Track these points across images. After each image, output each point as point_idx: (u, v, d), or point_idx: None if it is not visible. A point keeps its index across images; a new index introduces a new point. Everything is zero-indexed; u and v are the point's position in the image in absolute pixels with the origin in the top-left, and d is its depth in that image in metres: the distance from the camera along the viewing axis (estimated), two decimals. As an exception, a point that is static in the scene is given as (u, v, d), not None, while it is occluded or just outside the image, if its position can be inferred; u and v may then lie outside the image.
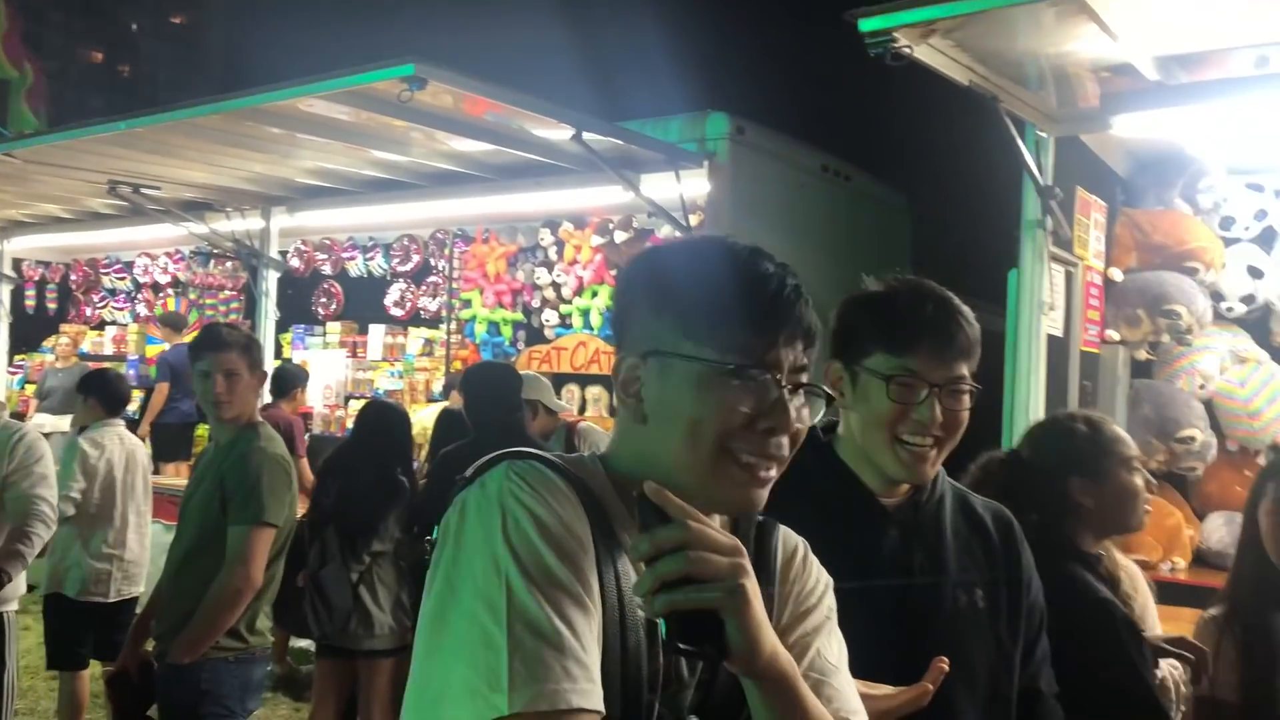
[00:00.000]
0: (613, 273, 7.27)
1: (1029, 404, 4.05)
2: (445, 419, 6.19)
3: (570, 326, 7.43)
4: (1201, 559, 4.95)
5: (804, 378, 1.13)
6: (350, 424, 6.36)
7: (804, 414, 1.13)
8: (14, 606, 3.68)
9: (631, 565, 1.06)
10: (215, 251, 8.45)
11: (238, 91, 4.80)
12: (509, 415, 3.99)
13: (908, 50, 2.92)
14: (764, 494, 1.12)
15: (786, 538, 1.25)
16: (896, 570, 1.55)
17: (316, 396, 8.00)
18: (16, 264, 10.06)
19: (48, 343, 9.96)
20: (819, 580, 1.25)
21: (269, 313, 7.51)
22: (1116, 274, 4.96)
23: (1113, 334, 4.94)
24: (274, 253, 7.45)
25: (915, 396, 1.54)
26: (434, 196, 6.43)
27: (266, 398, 7.07)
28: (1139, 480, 2.14)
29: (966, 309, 1.62)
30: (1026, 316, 4.12)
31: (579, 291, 7.39)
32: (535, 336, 7.54)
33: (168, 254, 9.62)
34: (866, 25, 2.81)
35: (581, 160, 5.23)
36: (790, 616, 1.20)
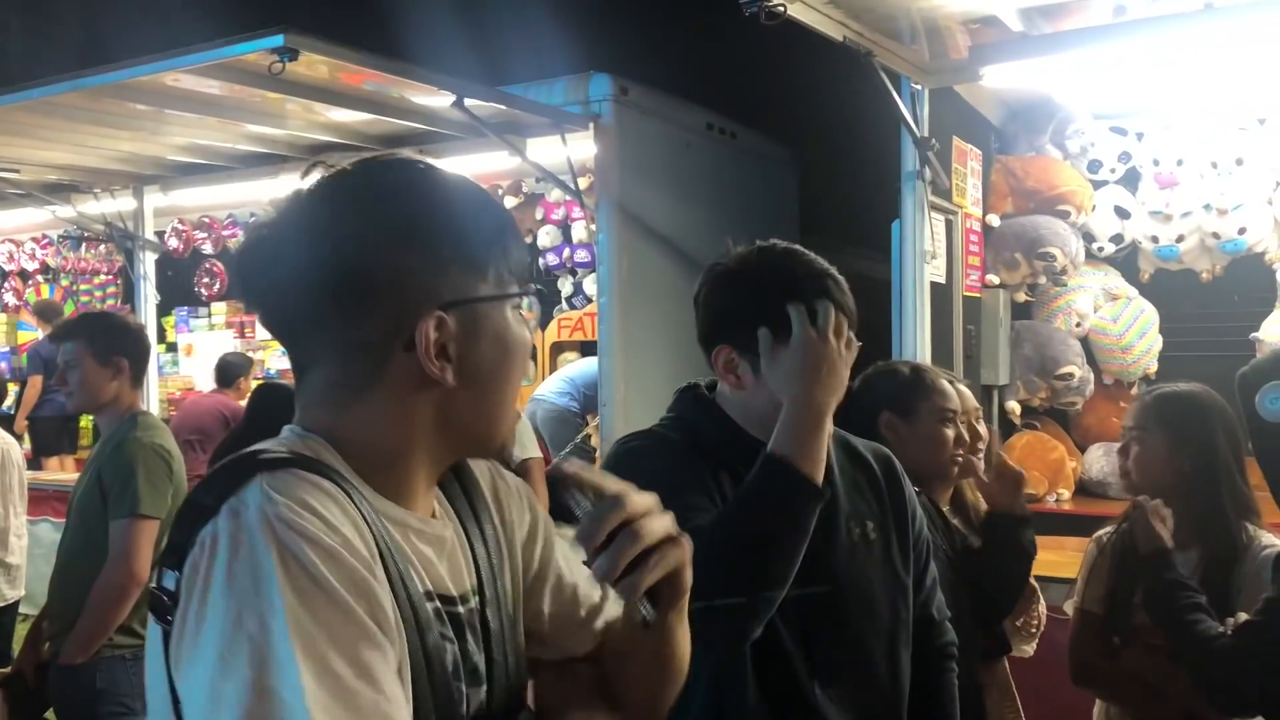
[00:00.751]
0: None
1: (916, 351, 4.18)
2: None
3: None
4: (1084, 489, 5.21)
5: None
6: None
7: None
8: None
9: (403, 541, 0.96)
10: (86, 235, 8.08)
11: (99, 68, 4.56)
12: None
13: (781, 8, 2.94)
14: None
15: (476, 466, 1.14)
16: None
17: (206, 381, 7.77)
18: None
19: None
20: (518, 485, 1.18)
21: (149, 296, 7.23)
22: (994, 220, 5.13)
23: (993, 278, 5.11)
24: (150, 234, 7.16)
25: None
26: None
27: (207, 386, 6.93)
28: (949, 433, 2.24)
29: (831, 268, 1.66)
30: (910, 266, 4.23)
31: (471, 259, 7.31)
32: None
33: (34, 239, 9.17)
34: (741, -16, 2.82)
35: (465, 127, 5.15)
36: (523, 531, 1.15)
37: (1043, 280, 5.16)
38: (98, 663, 2.85)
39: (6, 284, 9.54)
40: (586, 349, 6.63)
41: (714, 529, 1.45)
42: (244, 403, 6.75)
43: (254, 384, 7.04)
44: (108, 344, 2.98)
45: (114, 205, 6.99)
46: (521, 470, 3.91)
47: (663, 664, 1.11)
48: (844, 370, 1.56)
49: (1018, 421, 5.24)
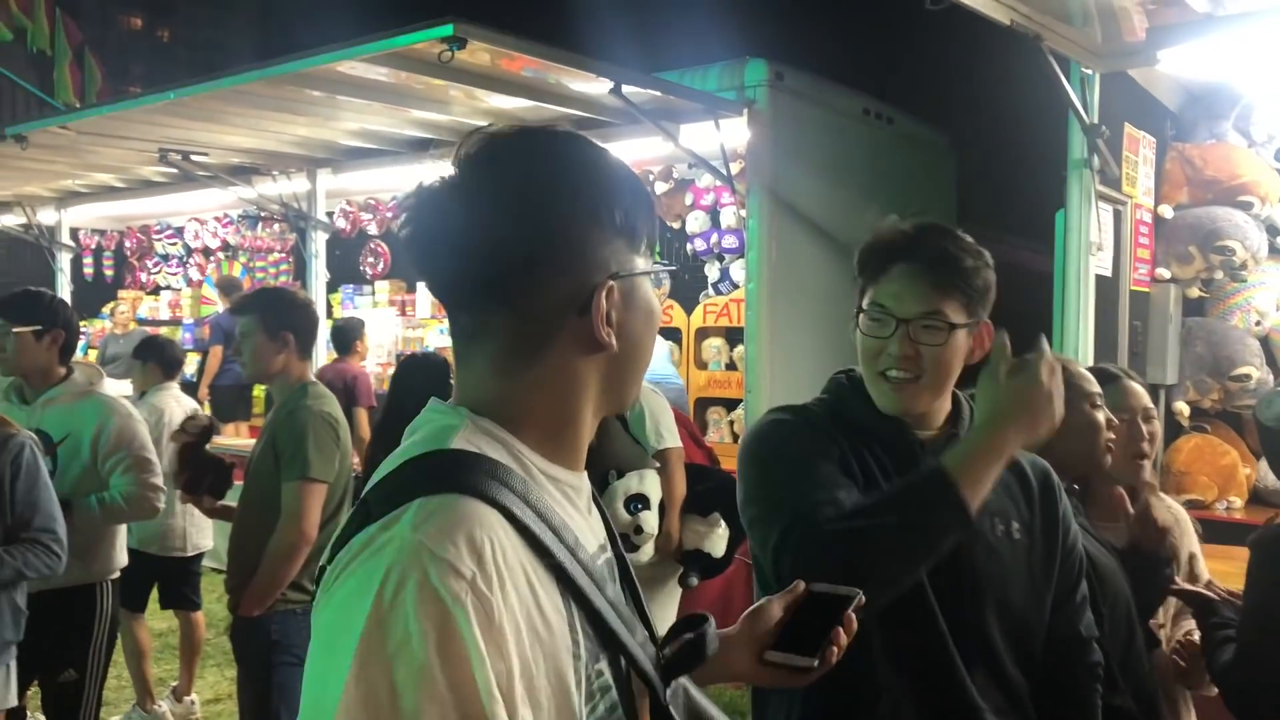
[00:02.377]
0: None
1: (1078, 345, 4.03)
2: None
3: (614, 279, 7.45)
4: (1259, 498, 4.91)
5: None
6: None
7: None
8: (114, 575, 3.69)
9: (572, 509, 1.02)
10: (263, 215, 8.57)
11: (279, 58, 4.85)
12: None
13: (948, -8, 2.88)
14: None
15: None
16: None
17: (369, 355, 8.14)
18: (74, 233, 10.28)
19: (106, 309, 10.21)
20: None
21: (318, 274, 7.63)
22: (1167, 211, 4.88)
23: (1163, 272, 4.87)
24: (321, 214, 7.55)
25: (884, 330, 1.60)
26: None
27: (325, 356, 7.25)
28: (1100, 416, 2.16)
29: (968, 246, 1.62)
30: (1074, 257, 4.08)
31: (622, 243, 7.42)
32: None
33: (217, 219, 9.78)
34: (905, -31, 2.77)
35: (620, 113, 5.23)
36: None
37: (1219, 275, 4.88)
38: (272, 616, 3.03)
39: (192, 259, 10.22)
40: (732, 335, 6.63)
41: (857, 512, 1.47)
42: (363, 365, 7.04)
43: (370, 347, 7.29)
44: (277, 319, 3.13)
45: (289, 187, 7.40)
46: (660, 458, 3.93)
47: None
48: (1051, 418, 1.53)
49: (1185, 423, 4.98)
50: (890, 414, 1.63)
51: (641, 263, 1.04)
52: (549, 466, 1.01)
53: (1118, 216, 4.50)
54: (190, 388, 9.57)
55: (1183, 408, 4.95)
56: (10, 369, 3.41)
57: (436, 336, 8.17)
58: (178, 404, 5.01)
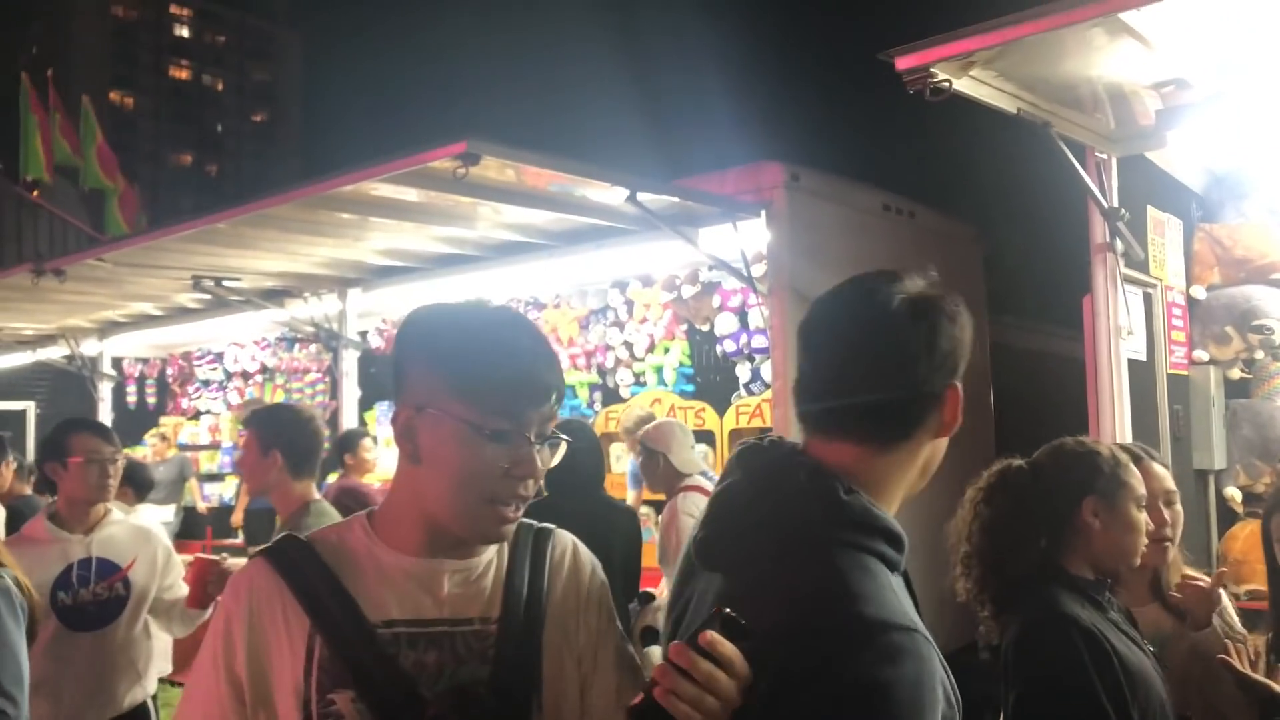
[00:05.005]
0: (683, 328, 7.29)
1: (1114, 432, 3.91)
2: None
3: (644, 384, 7.45)
4: (1321, 584, 4.67)
5: (548, 428, 1.37)
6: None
7: (546, 459, 1.37)
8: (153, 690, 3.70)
9: (364, 574, 1.38)
10: (299, 336, 8.71)
11: (303, 183, 4.97)
12: (581, 473, 3.97)
13: (947, 84, 2.88)
14: (512, 528, 1.39)
15: (559, 538, 1.50)
16: None
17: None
18: (117, 362, 10.51)
19: (149, 436, 10.35)
20: (594, 568, 1.51)
21: (349, 392, 7.69)
22: (1199, 292, 4.79)
23: (1201, 354, 4.76)
24: (352, 333, 7.65)
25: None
26: (503, 266, 6.55)
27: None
28: (1143, 518, 2.12)
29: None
30: (1105, 343, 3.99)
31: (651, 349, 7.42)
32: (611, 396, 7.57)
33: (255, 342, 9.95)
34: (904, 63, 2.79)
35: (639, 220, 5.28)
36: (581, 605, 1.46)
37: (1260, 355, 4.75)
38: None
39: (231, 383, 10.38)
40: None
41: None
42: (363, 478, 6.77)
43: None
44: (267, 436, 3.13)
45: (320, 308, 7.53)
46: None
47: None
48: None
49: (1239, 509, 4.78)
50: None
51: (459, 408, 1.30)
52: (383, 550, 1.38)
53: (1148, 299, 4.42)
54: (227, 511, 9.65)
55: (1234, 493, 4.76)
56: (107, 495, 3.44)
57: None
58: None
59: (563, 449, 1.40)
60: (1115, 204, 3.92)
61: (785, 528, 1.26)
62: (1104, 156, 3.94)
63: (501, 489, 1.33)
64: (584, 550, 1.51)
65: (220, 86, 75.90)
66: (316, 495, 3.23)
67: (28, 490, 5.69)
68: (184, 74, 74.44)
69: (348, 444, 6.67)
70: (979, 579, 2.05)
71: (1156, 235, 4.48)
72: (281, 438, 3.10)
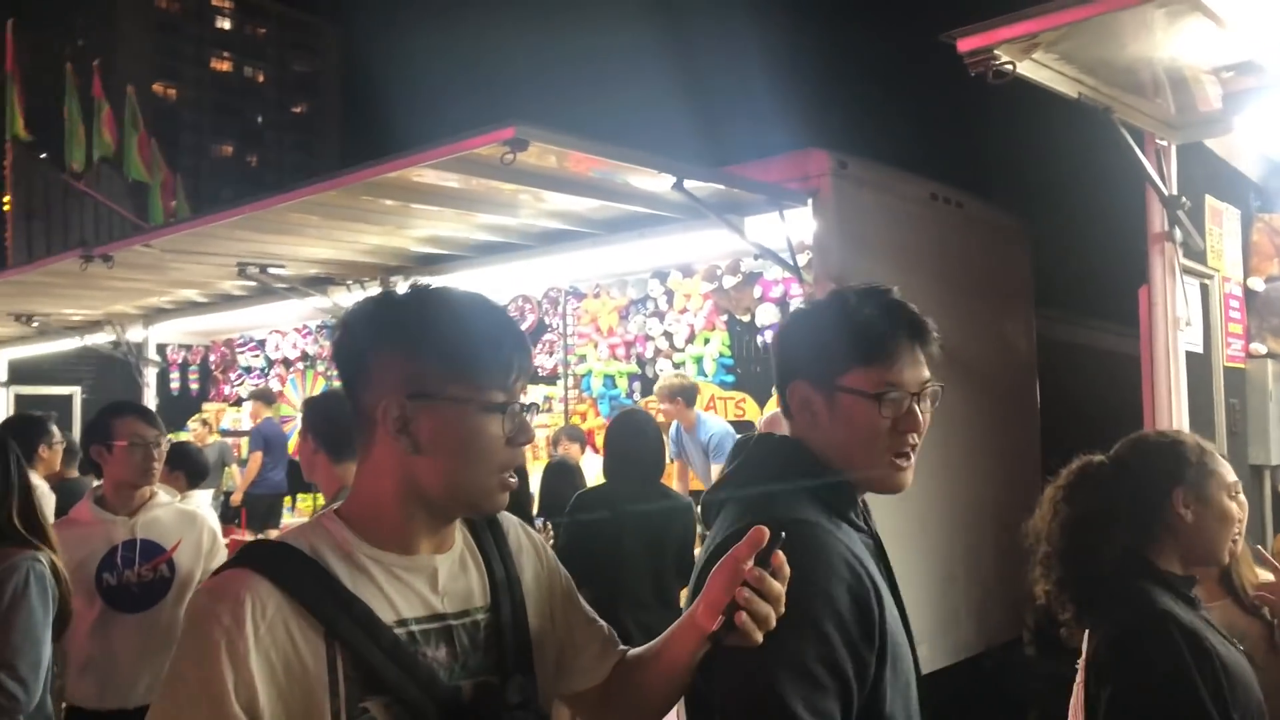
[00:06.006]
0: (723, 318, 7.25)
1: (1171, 425, 3.82)
2: (552, 470, 6.21)
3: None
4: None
5: (525, 399, 1.39)
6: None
7: (533, 428, 1.39)
8: None
9: (359, 580, 1.31)
10: (340, 324, 8.76)
11: (349, 169, 4.98)
12: (639, 464, 3.96)
13: (1010, 67, 2.82)
14: (506, 497, 1.39)
15: (507, 521, 1.53)
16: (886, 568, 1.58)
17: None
18: (161, 349, 10.62)
19: (191, 422, 10.47)
20: (540, 541, 1.56)
21: (391, 380, 7.70)
22: (1257, 283, 4.68)
23: (1259, 347, 4.65)
24: (394, 321, 7.67)
25: (900, 408, 1.51)
26: (544, 255, 6.53)
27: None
28: (1235, 508, 2.05)
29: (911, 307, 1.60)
30: (1162, 334, 3.91)
31: (691, 339, 7.39)
32: (650, 387, 7.55)
33: (297, 330, 10.03)
34: (966, 45, 2.73)
35: (684, 208, 5.24)
36: (548, 576, 1.52)
37: (1320, 348, 4.63)
38: None
39: (273, 370, 10.47)
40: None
41: None
42: None
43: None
44: (310, 423, 3.12)
45: (364, 296, 7.54)
46: None
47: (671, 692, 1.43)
48: None
49: (1293, 507, 4.67)
50: (891, 492, 1.57)
51: (458, 390, 1.31)
52: (370, 549, 1.33)
53: (1205, 291, 4.32)
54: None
55: (1288, 491, 4.66)
56: (151, 478, 3.46)
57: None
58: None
59: (542, 417, 1.48)
60: (1175, 192, 3.83)
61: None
62: (1164, 143, 3.86)
63: (507, 459, 1.35)
64: (528, 528, 1.58)
65: (261, 78, 76.66)
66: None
67: (74, 473, 5.77)
68: (225, 66, 75.26)
69: None
70: (1060, 579, 1.99)
71: (1214, 225, 4.38)
72: (318, 421, 3.10)
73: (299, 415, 9.54)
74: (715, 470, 5.75)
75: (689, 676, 1.37)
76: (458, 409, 1.31)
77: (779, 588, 1.24)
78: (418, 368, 1.32)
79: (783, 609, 1.25)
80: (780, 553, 1.25)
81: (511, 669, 1.37)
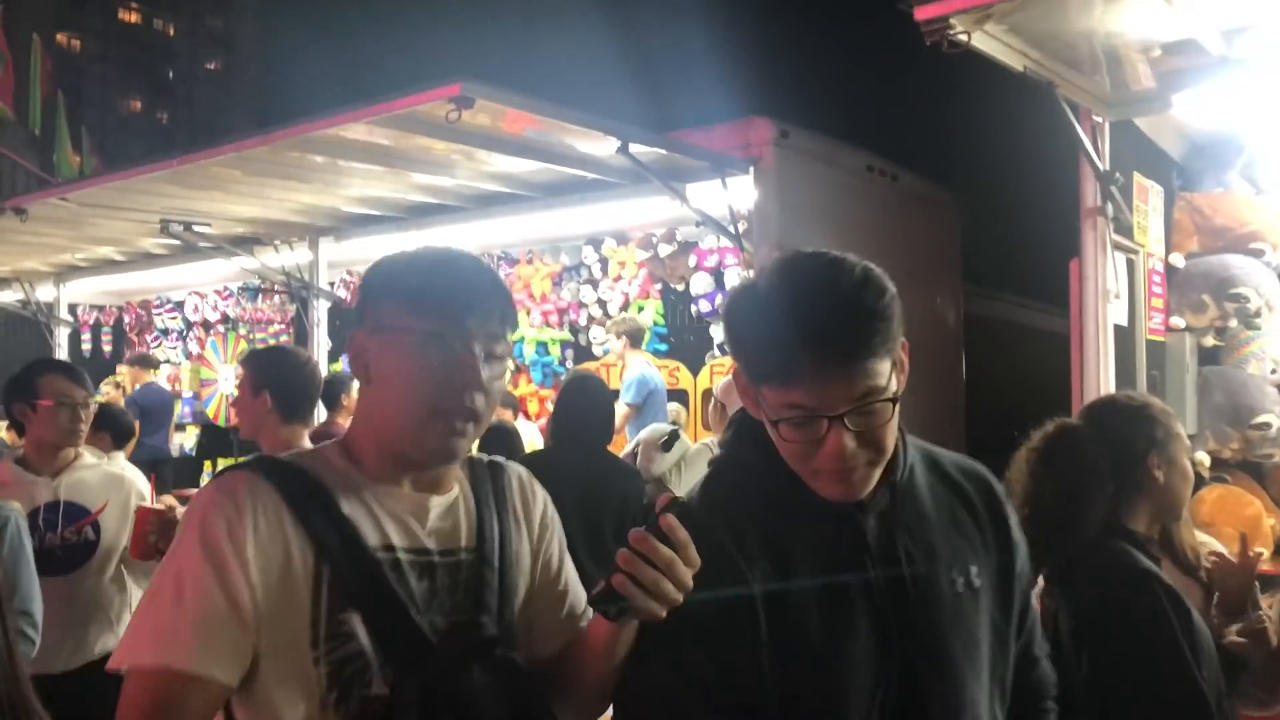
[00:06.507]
0: (657, 287, 7.26)
1: (1099, 395, 3.95)
2: (488, 437, 6.15)
3: (618, 342, 7.42)
4: (1286, 547, 4.80)
5: (498, 348, 1.38)
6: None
7: (493, 379, 1.37)
8: None
9: (353, 505, 1.35)
10: (263, 286, 8.55)
11: (287, 123, 4.85)
12: (585, 427, 3.95)
13: (964, 38, 2.86)
14: (463, 444, 1.38)
15: (512, 470, 1.56)
16: (884, 564, 1.34)
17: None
18: (73, 309, 10.24)
19: (105, 385, 10.12)
20: (545, 499, 1.58)
21: (320, 343, 7.57)
22: (1178, 260, 4.85)
23: (1178, 321, 4.82)
24: (324, 283, 7.52)
25: (813, 433, 1.27)
26: (480, 219, 6.46)
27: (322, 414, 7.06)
28: (1191, 468, 2.16)
29: (861, 284, 1.27)
30: (1092, 307, 4.02)
31: (625, 307, 7.39)
32: (583, 354, 7.54)
33: (217, 291, 9.76)
34: (923, 13, 2.76)
35: (627, 173, 5.22)
36: (537, 535, 1.53)
37: (1234, 323, 4.82)
38: None
39: (191, 333, 10.17)
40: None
41: None
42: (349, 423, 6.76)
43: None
44: (258, 378, 3.02)
45: (292, 257, 7.38)
46: None
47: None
48: None
49: (1206, 474, 4.88)
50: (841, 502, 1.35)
51: (400, 321, 1.35)
52: (365, 478, 1.38)
53: (1131, 266, 4.46)
54: (187, 461, 9.50)
55: (1203, 458, 4.85)
56: (77, 440, 3.34)
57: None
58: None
59: (508, 372, 1.46)
60: (1108, 168, 3.94)
61: None
62: (1099, 120, 3.96)
63: (445, 399, 1.34)
64: (534, 480, 1.58)
65: (172, 32, 73.85)
66: (306, 443, 3.14)
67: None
68: (134, 18, 72.30)
69: (345, 386, 6.61)
70: (1035, 542, 2.03)
71: (1141, 202, 4.52)
72: (273, 380, 3.00)
73: (219, 378, 9.36)
74: (619, 410, 5.76)
75: (607, 661, 1.33)
76: (395, 339, 1.35)
77: (666, 553, 1.19)
78: (380, 308, 1.38)
79: (680, 578, 1.20)
80: (671, 517, 1.20)
81: (494, 609, 1.39)
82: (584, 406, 3.97)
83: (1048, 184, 4.71)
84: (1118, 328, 4.25)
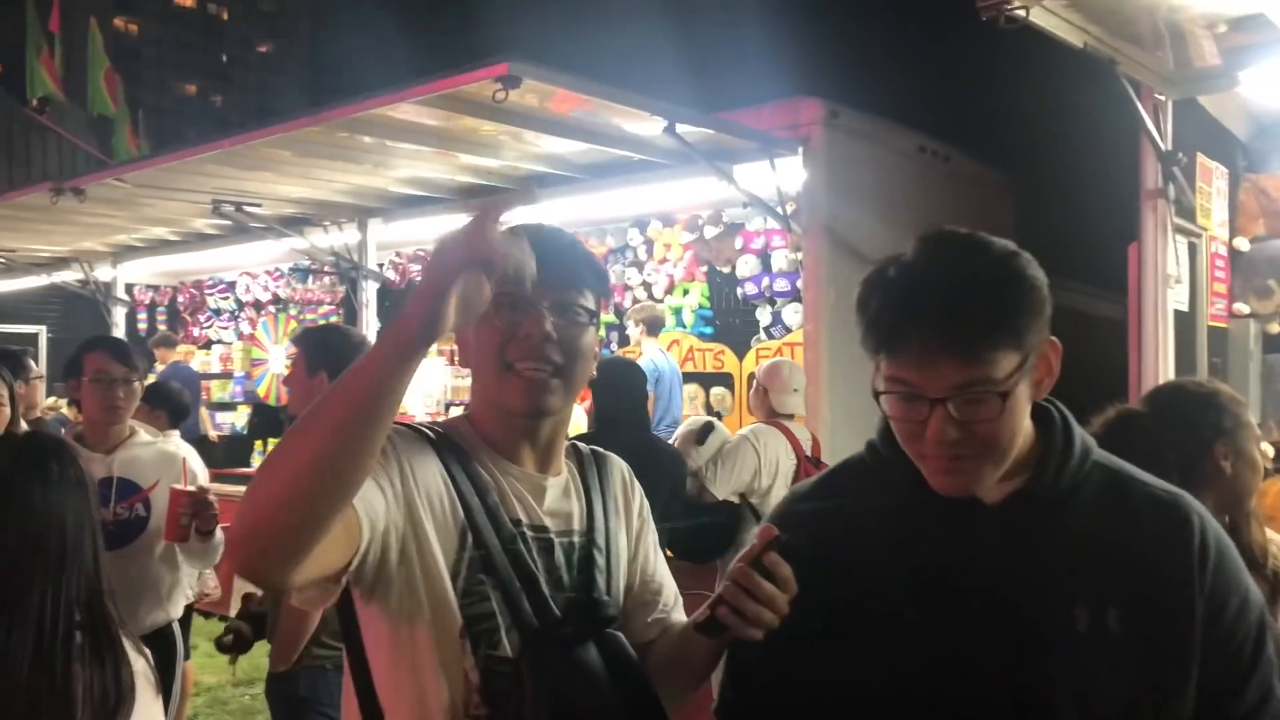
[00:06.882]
0: (703, 269, 7.20)
1: (1157, 382, 3.85)
2: None
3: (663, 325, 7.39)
4: (1350, 542, 4.66)
5: (575, 302, 1.41)
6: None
7: (568, 329, 1.38)
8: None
9: (486, 473, 1.41)
10: (313, 267, 8.62)
11: (332, 105, 4.86)
12: (627, 412, 3.93)
13: (1022, 13, 2.78)
14: (551, 399, 1.40)
15: (614, 462, 1.61)
16: (991, 581, 1.24)
17: (417, 404, 8.10)
18: (129, 289, 10.43)
19: (158, 363, 10.31)
20: (642, 494, 1.61)
21: (369, 323, 7.62)
22: (1242, 243, 4.71)
23: (1241, 307, 4.69)
24: (372, 264, 7.57)
25: (917, 413, 1.22)
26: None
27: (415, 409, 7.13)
28: (1260, 459, 2.07)
29: (1001, 265, 1.22)
30: (1151, 292, 3.92)
31: (670, 290, 7.34)
32: (628, 337, 7.51)
33: (268, 272, 9.87)
34: (979, -13, 2.68)
35: (674, 154, 5.17)
36: (636, 528, 1.57)
37: (1300, 309, 4.68)
38: (300, 672, 2.86)
39: (243, 313, 10.31)
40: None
41: None
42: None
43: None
44: (316, 357, 2.99)
45: (340, 238, 7.43)
46: None
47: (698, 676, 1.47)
48: None
49: (1270, 465, 4.73)
50: (945, 494, 1.27)
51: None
52: (490, 452, 1.44)
53: (1193, 249, 4.34)
54: (238, 440, 9.64)
55: (1267, 449, 4.69)
56: (117, 415, 3.38)
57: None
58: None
59: (590, 333, 1.44)
60: (1170, 148, 3.82)
61: None
62: (1161, 98, 3.84)
63: (514, 351, 1.37)
64: (632, 475, 1.63)
65: (226, 15, 74.76)
66: None
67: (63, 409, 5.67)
68: (189, 1, 73.29)
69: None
70: None
71: (1204, 183, 4.39)
72: (332, 359, 2.98)
73: (270, 358, 9.47)
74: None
75: (704, 663, 1.43)
76: (476, 326, 1.35)
77: (769, 589, 1.23)
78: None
79: (780, 610, 1.24)
80: (774, 554, 1.25)
81: (605, 589, 1.45)
82: (622, 390, 3.95)
83: (1107, 165, 4.59)
84: (1178, 314, 4.14)
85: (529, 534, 1.41)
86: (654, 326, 6.62)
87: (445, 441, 1.41)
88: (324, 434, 1.04)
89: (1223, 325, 4.58)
